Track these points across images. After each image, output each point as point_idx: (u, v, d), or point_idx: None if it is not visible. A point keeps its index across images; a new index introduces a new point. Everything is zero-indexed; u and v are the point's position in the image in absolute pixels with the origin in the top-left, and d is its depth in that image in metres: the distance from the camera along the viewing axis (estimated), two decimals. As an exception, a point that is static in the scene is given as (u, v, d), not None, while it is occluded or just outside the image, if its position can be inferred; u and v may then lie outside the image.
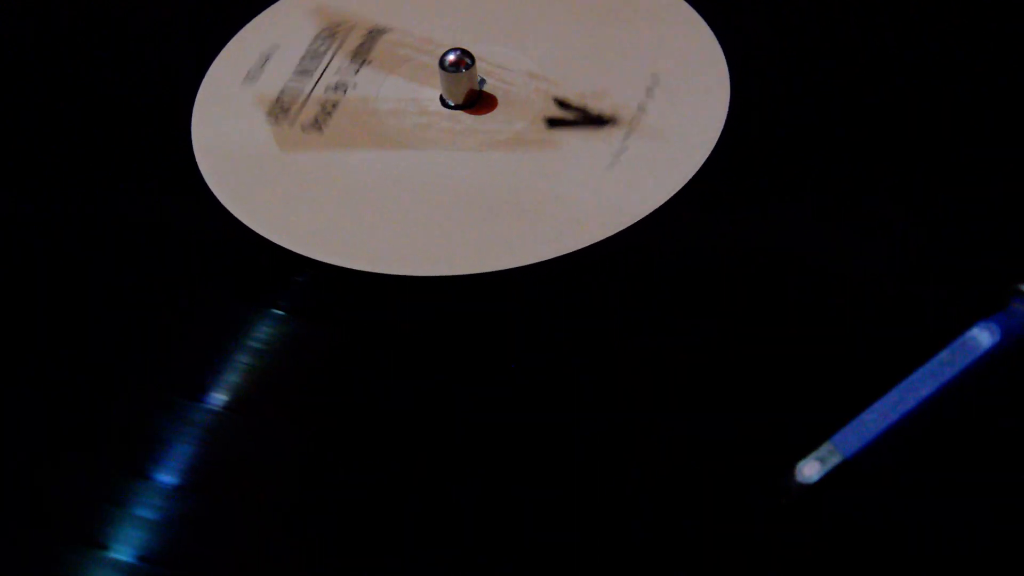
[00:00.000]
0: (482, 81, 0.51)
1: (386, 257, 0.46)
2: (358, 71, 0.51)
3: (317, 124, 0.50)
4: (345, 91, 0.51)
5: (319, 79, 0.51)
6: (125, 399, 0.43)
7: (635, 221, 0.46)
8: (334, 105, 0.50)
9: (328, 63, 0.52)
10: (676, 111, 0.49)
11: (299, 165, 0.49)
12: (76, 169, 0.50)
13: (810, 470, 0.37)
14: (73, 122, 0.52)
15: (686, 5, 0.53)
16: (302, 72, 0.52)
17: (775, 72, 0.51)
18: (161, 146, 0.51)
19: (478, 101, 0.51)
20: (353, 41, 0.53)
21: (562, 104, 0.50)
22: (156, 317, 0.45)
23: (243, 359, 0.43)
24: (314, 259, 0.46)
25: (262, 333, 0.44)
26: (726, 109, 0.49)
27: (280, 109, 0.51)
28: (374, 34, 0.53)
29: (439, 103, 0.51)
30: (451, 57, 0.50)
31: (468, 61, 0.50)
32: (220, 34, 0.55)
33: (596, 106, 0.50)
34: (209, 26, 0.55)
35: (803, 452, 0.38)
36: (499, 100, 0.51)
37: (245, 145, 0.50)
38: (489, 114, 0.50)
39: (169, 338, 0.44)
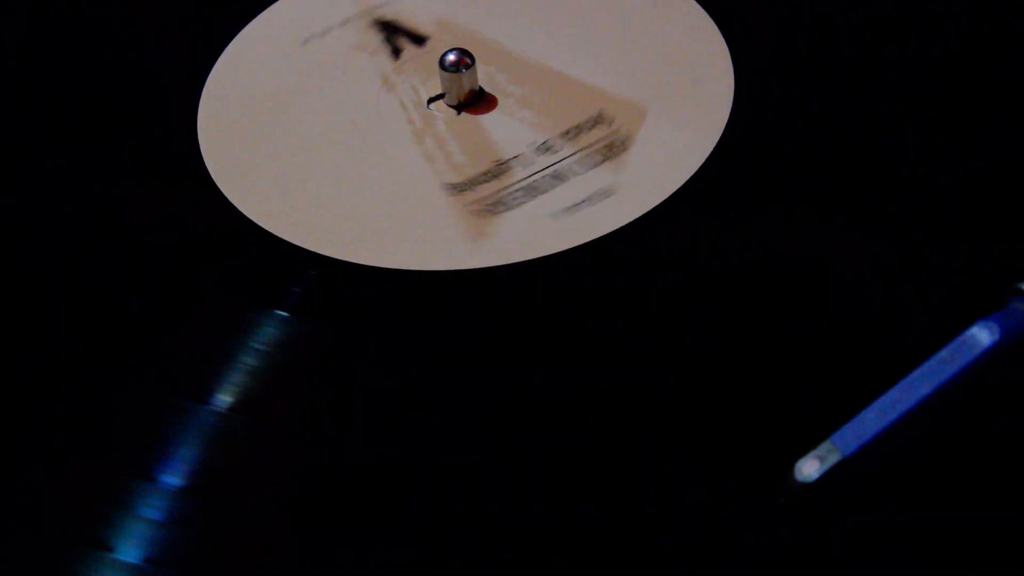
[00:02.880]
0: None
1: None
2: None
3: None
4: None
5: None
6: (130, 400, 0.43)
7: (634, 220, 0.46)
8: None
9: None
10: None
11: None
12: (79, 166, 0.50)
13: (809, 468, 0.37)
14: (74, 119, 0.52)
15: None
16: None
17: (779, 71, 0.51)
18: (167, 143, 0.51)
19: (478, 101, 0.51)
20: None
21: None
22: (161, 317, 0.45)
23: (248, 360, 0.43)
24: (319, 253, 0.46)
25: (267, 334, 0.44)
26: (729, 108, 0.49)
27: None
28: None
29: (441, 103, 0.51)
30: (451, 57, 0.50)
31: (468, 61, 0.50)
32: (223, 33, 0.55)
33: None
34: (214, 23, 0.55)
35: (802, 450, 0.38)
36: (495, 108, 0.51)
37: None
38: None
39: (174, 339, 0.44)
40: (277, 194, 0.48)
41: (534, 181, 0.48)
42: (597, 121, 0.50)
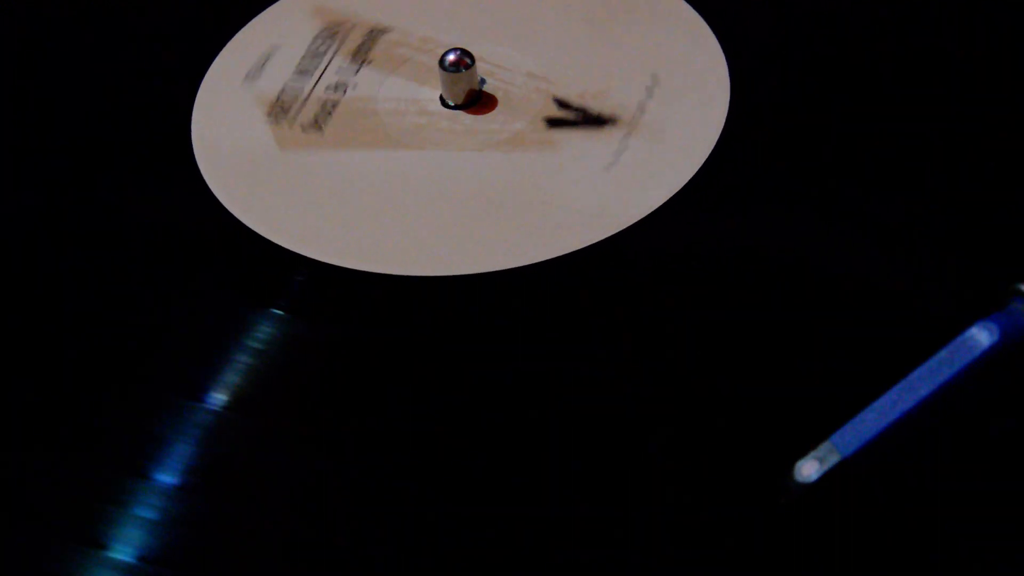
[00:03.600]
0: (482, 81, 0.51)
1: (385, 257, 0.46)
2: (358, 71, 0.51)
3: (317, 124, 0.50)
4: (345, 91, 0.51)
5: (319, 79, 0.51)
6: (125, 399, 0.43)
7: (634, 222, 0.46)
8: (334, 105, 0.50)
9: (328, 63, 0.52)
10: (676, 111, 0.49)
11: (298, 164, 0.49)
12: (76, 168, 0.50)
13: (809, 469, 0.37)
14: (72, 121, 0.52)
15: (686, 5, 0.53)
16: (302, 72, 0.52)
17: (775, 72, 0.51)
18: (161, 145, 0.51)
19: (478, 101, 0.51)
20: (353, 41, 0.53)
21: (562, 104, 0.50)
22: (155, 317, 0.45)
23: (243, 359, 0.43)
24: (313, 259, 0.46)
25: (262, 333, 0.44)
26: (726, 109, 0.49)
27: (280, 109, 0.51)
28: (374, 34, 0.53)
29: (439, 103, 0.51)
30: (451, 57, 0.50)
31: (468, 61, 0.50)
32: (221, 33, 0.55)
33: (596, 106, 0.50)
34: (210, 26, 0.55)
35: (802, 451, 0.38)
36: (499, 100, 0.51)
37: (244, 144, 0.50)
38: (489, 114, 0.50)
39: (168, 338, 0.44)
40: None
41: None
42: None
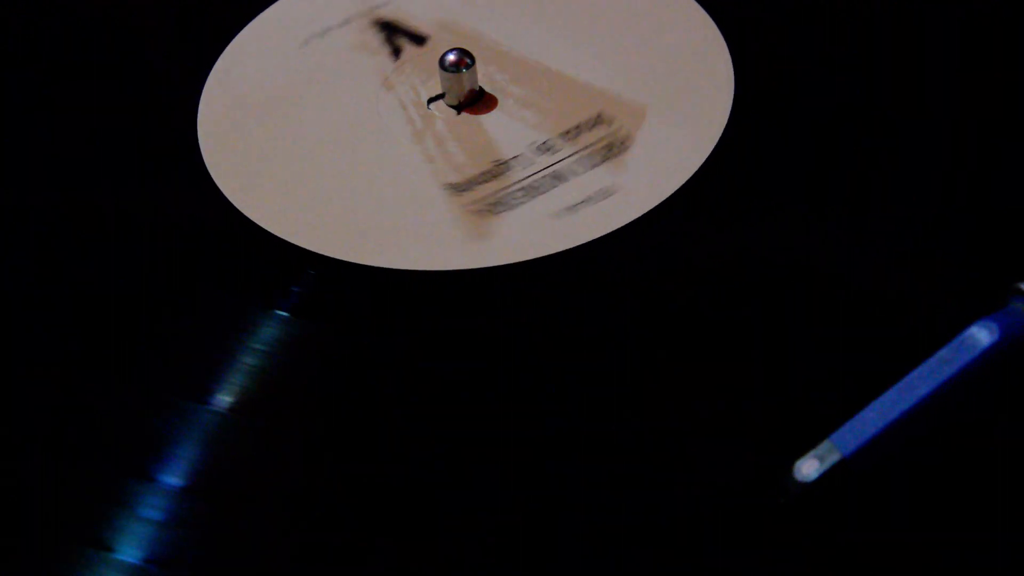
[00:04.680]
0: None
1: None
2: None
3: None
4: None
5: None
6: (130, 400, 0.43)
7: (631, 221, 0.46)
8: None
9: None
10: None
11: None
12: (79, 167, 0.50)
13: (809, 468, 0.37)
14: (75, 119, 0.52)
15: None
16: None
17: (779, 73, 0.51)
18: (167, 143, 0.51)
19: (479, 101, 0.51)
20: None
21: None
22: (162, 317, 0.45)
23: (248, 360, 0.43)
24: (319, 253, 0.46)
25: (267, 334, 0.44)
26: (728, 109, 0.49)
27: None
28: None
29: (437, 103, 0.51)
30: (451, 57, 0.50)
31: (468, 61, 0.50)
32: (223, 32, 0.55)
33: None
34: (215, 21, 0.55)
35: (802, 450, 0.38)
36: (494, 108, 0.50)
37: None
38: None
39: (174, 339, 0.44)
40: (277, 194, 0.48)
41: (534, 181, 0.48)
42: (597, 121, 0.50)
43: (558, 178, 0.48)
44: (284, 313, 0.44)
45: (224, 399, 0.42)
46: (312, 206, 0.48)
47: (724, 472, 0.39)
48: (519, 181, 0.48)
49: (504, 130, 0.50)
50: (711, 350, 0.42)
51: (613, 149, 0.49)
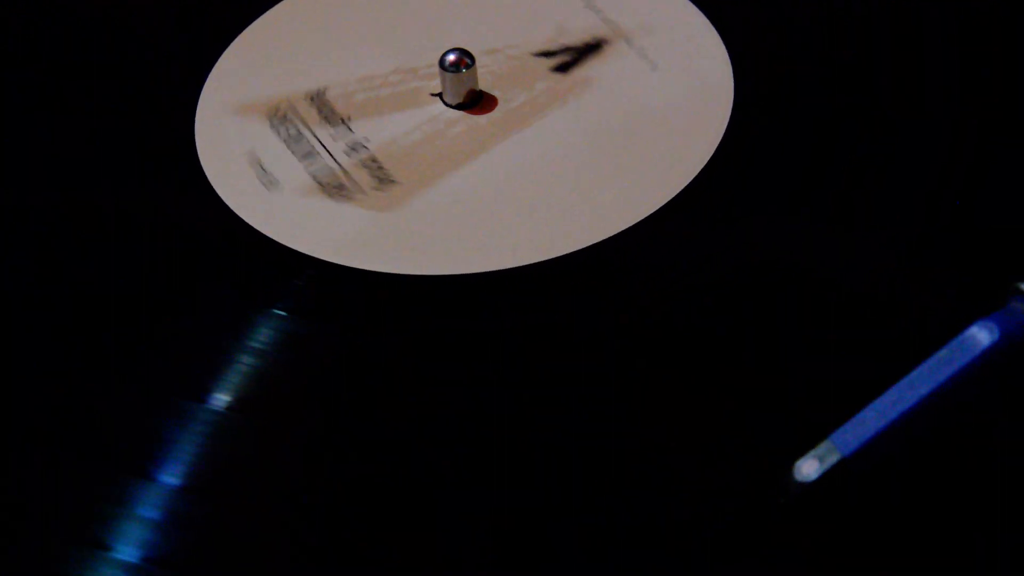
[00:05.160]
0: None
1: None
2: (350, 128, 0.50)
3: (383, 179, 0.48)
4: (367, 146, 0.49)
5: (329, 152, 0.49)
6: (128, 400, 0.43)
7: (636, 223, 0.46)
8: (373, 159, 0.49)
9: (315, 137, 0.50)
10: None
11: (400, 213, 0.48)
12: (76, 168, 0.50)
13: (808, 468, 0.37)
14: (71, 120, 0.52)
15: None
16: (306, 155, 0.49)
17: (779, 76, 0.51)
18: (165, 143, 0.51)
19: (479, 101, 0.51)
20: (309, 113, 0.51)
21: (547, 54, 0.50)
22: (159, 318, 0.45)
23: (246, 360, 0.43)
24: (319, 259, 0.46)
25: (265, 334, 0.44)
26: (728, 113, 0.49)
27: (335, 188, 0.48)
28: (317, 98, 0.51)
29: (444, 109, 0.51)
30: (451, 57, 0.50)
31: (468, 61, 0.50)
32: (222, 35, 0.55)
33: (575, 40, 0.49)
34: (214, 23, 0.55)
35: (801, 450, 0.38)
36: (495, 108, 0.50)
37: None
38: (500, 95, 0.50)
39: (172, 339, 0.44)
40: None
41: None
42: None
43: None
44: (282, 312, 0.44)
45: (222, 398, 0.42)
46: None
47: (724, 472, 0.39)
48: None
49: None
50: (711, 350, 0.42)
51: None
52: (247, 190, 0.48)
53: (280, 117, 0.50)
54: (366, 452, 0.41)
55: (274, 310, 0.44)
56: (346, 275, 0.45)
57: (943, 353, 0.38)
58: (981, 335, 0.38)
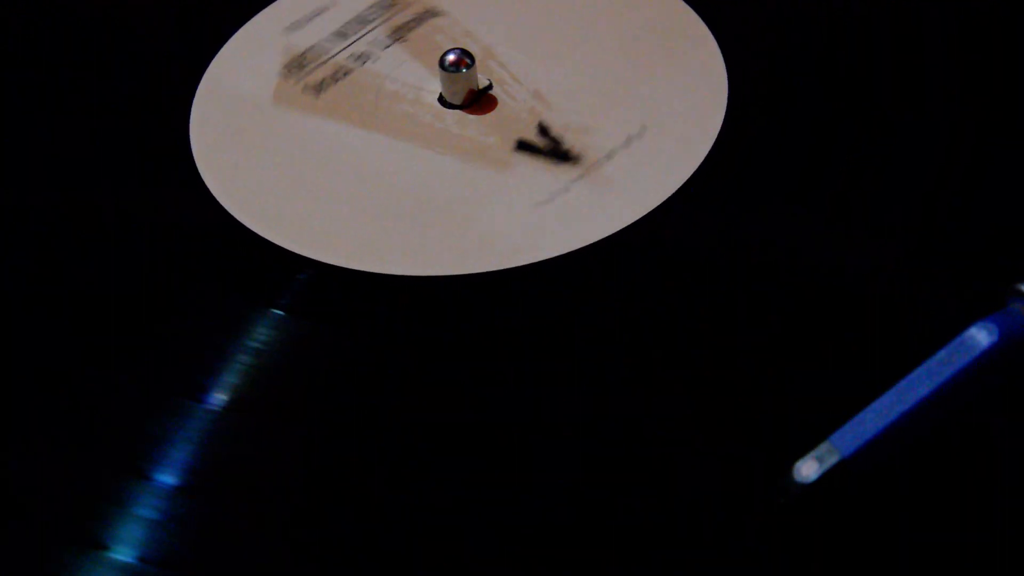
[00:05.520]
0: (489, 85, 0.51)
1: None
2: (388, 47, 0.52)
3: (319, 88, 0.50)
4: (364, 63, 0.51)
5: (350, 45, 0.52)
6: (126, 399, 0.43)
7: (631, 223, 0.46)
8: (345, 74, 0.51)
9: (368, 32, 0.52)
10: (642, 167, 0.48)
11: (283, 137, 0.50)
12: (72, 168, 0.50)
13: (808, 469, 0.37)
14: (67, 120, 0.52)
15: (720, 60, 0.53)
16: (339, 34, 0.52)
17: (773, 75, 0.51)
18: (160, 145, 0.51)
19: (478, 101, 0.51)
20: (403, 17, 0.54)
21: (542, 130, 0.50)
22: (156, 318, 0.45)
23: (243, 359, 0.43)
24: (310, 258, 0.46)
25: (261, 334, 0.44)
26: (722, 112, 0.49)
27: (298, 65, 0.51)
28: (426, 15, 0.54)
29: (436, 97, 0.51)
30: (451, 57, 0.50)
31: (468, 61, 0.50)
32: (217, 34, 0.55)
33: (570, 141, 0.49)
34: (209, 22, 0.55)
35: (801, 451, 0.38)
36: (496, 109, 0.50)
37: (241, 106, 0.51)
38: (475, 118, 0.50)
39: (169, 339, 0.44)
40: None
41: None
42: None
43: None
44: (279, 312, 0.44)
45: (220, 398, 0.42)
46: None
47: (724, 473, 0.39)
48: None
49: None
50: (710, 351, 0.42)
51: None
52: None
53: (388, 3, 0.53)
54: (363, 451, 0.41)
55: (271, 309, 0.44)
56: (340, 274, 0.46)
57: (943, 353, 0.38)
58: (981, 335, 0.38)
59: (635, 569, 0.37)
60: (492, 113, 0.50)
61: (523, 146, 0.49)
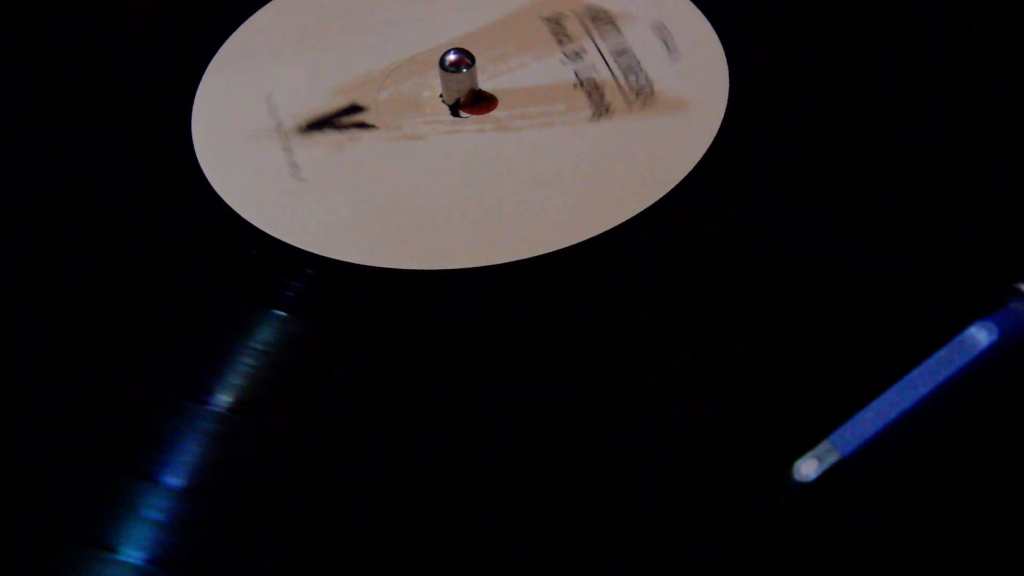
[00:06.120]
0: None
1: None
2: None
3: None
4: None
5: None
6: (131, 401, 0.43)
7: (630, 217, 0.46)
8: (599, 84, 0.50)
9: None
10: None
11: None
12: (74, 168, 0.50)
13: (808, 468, 0.37)
14: (69, 120, 0.52)
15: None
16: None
17: (775, 71, 0.51)
18: (160, 141, 0.51)
19: (479, 101, 0.51)
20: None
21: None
22: (161, 319, 0.45)
23: (247, 360, 0.43)
24: (316, 253, 0.46)
25: (266, 334, 0.44)
26: (723, 108, 0.49)
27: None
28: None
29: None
30: (451, 57, 0.50)
31: (468, 61, 0.50)
32: (217, 32, 0.55)
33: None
34: (210, 20, 0.55)
35: (801, 450, 0.38)
36: (495, 109, 0.51)
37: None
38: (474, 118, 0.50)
39: (174, 340, 0.44)
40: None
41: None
42: (590, 119, 0.50)
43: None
44: (282, 313, 0.44)
45: (224, 399, 0.42)
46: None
47: (723, 472, 0.39)
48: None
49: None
50: (710, 350, 0.42)
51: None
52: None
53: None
54: (366, 451, 0.41)
55: (276, 310, 0.44)
56: (345, 271, 0.46)
57: (943, 353, 0.38)
58: (981, 335, 0.38)
59: (635, 569, 0.38)
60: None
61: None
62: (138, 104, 0.53)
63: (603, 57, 0.51)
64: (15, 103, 0.54)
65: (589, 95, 0.50)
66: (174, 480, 0.40)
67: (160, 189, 0.50)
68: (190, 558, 0.39)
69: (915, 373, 0.38)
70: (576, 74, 0.51)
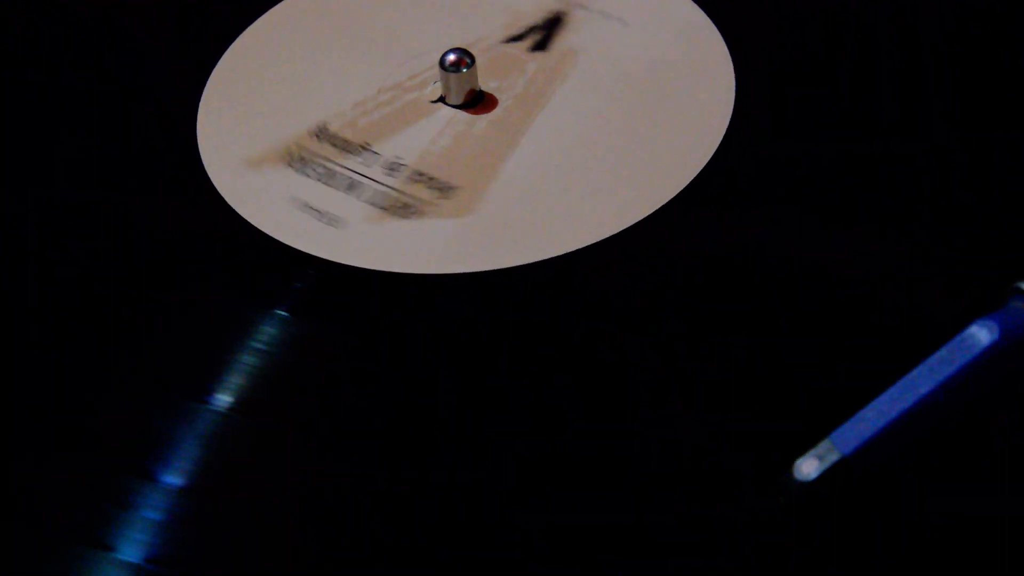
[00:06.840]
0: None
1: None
2: (375, 152, 0.49)
3: (446, 186, 0.48)
4: (403, 162, 0.49)
5: (369, 177, 0.49)
6: (129, 400, 0.43)
7: (636, 222, 0.46)
8: (420, 173, 0.49)
9: (346, 168, 0.49)
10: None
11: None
12: (79, 170, 0.51)
13: (808, 467, 0.37)
14: (73, 122, 0.52)
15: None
16: (350, 187, 0.49)
17: (780, 75, 0.51)
18: (166, 143, 0.51)
19: (479, 101, 0.51)
20: (323, 148, 0.50)
21: (515, 39, 0.50)
22: (162, 318, 0.45)
23: (248, 360, 0.43)
24: (316, 256, 0.46)
25: (267, 334, 0.44)
26: (729, 113, 0.49)
27: (402, 208, 0.48)
28: (322, 134, 0.50)
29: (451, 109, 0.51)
30: (451, 57, 0.50)
31: (468, 61, 0.50)
32: (224, 35, 0.55)
33: (537, 18, 0.51)
34: (216, 23, 0.55)
35: (801, 449, 0.38)
36: (495, 108, 0.51)
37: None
38: (498, 85, 0.51)
39: (175, 340, 0.45)
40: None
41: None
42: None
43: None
44: (283, 313, 0.44)
45: (224, 399, 0.42)
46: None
47: (723, 472, 0.39)
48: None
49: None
50: (711, 350, 0.42)
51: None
52: (311, 230, 0.47)
53: (299, 160, 0.49)
54: (366, 452, 0.41)
55: (277, 310, 0.44)
56: (345, 273, 0.46)
57: (943, 352, 0.38)
58: (981, 334, 0.38)
59: (636, 569, 0.37)
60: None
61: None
62: (143, 106, 0.53)
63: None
64: (21, 105, 0.54)
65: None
66: (174, 480, 0.40)
67: (164, 190, 0.50)
68: (190, 558, 0.39)
69: (916, 372, 0.38)
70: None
